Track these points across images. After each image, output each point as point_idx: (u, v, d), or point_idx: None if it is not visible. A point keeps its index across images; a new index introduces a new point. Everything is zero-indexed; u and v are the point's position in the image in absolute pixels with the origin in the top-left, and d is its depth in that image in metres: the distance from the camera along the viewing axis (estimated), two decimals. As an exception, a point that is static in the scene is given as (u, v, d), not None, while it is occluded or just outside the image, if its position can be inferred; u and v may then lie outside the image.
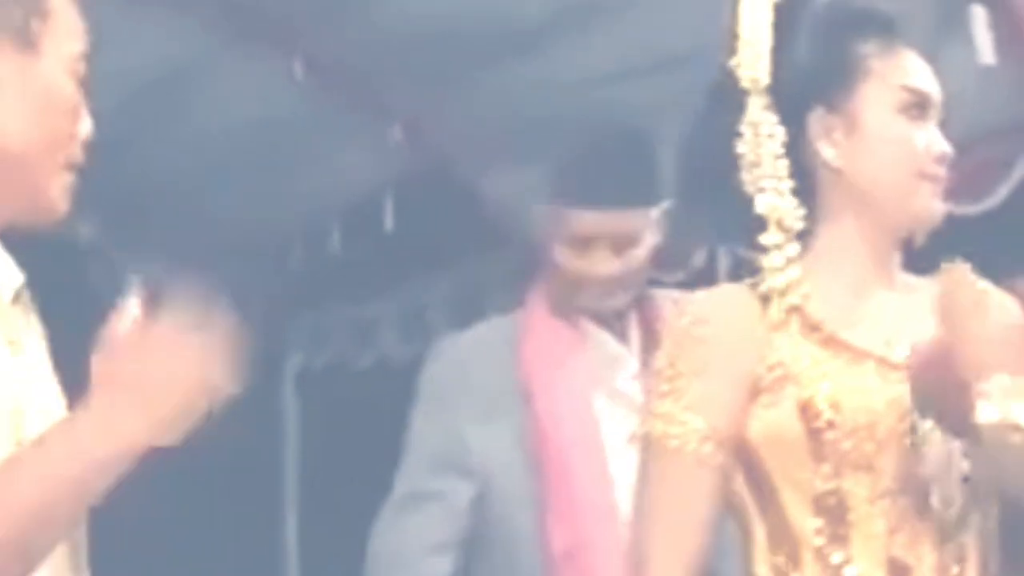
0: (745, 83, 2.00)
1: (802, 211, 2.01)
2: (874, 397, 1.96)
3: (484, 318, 3.12)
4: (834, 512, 1.94)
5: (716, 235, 2.30)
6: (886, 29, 2.04)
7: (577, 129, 4.49)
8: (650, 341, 2.72)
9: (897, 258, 2.07)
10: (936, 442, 1.95)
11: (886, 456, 1.95)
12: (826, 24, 2.03)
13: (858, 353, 1.99)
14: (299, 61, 4.41)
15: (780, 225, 1.98)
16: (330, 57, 4.47)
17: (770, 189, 1.98)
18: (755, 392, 1.96)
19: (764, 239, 1.99)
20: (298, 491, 5.93)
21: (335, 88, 4.57)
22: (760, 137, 1.99)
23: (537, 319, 2.92)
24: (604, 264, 2.84)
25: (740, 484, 2.00)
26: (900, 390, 1.95)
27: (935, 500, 1.95)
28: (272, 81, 4.47)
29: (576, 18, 4.20)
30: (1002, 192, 4.10)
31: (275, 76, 4.44)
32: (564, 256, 2.87)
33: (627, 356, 2.90)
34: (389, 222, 5.02)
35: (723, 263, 3.59)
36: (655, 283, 3.05)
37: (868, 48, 2.02)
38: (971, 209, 3.76)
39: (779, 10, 2.02)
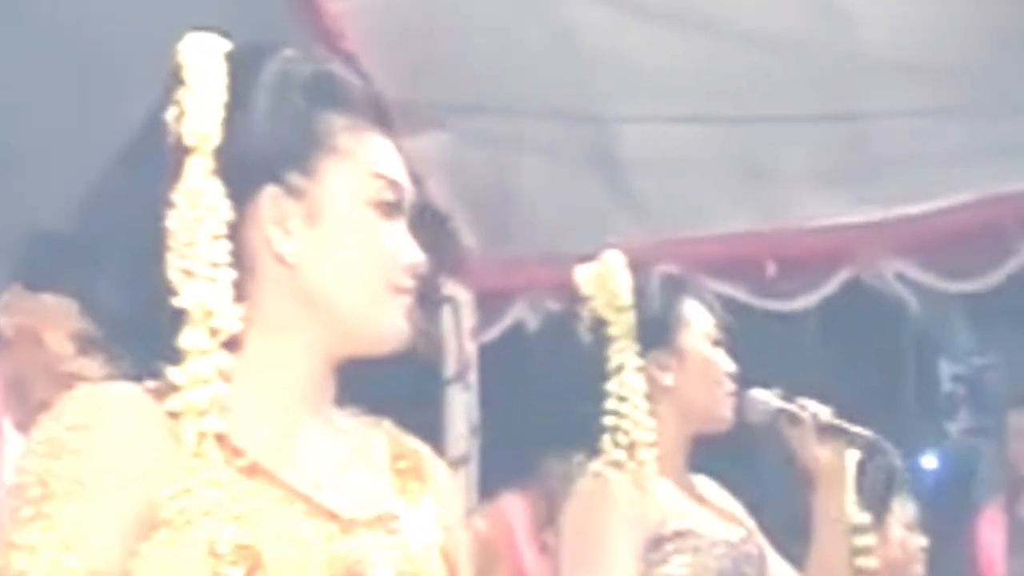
0: (189, 139, 1.57)
1: (240, 311, 1.58)
2: (307, 546, 1.56)
3: None
4: None
5: (111, 333, 1.68)
6: (364, 107, 1.67)
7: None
8: None
9: (333, 386, 1.69)
10: None
11: None
12: (290, 83, 1.62)
13: (288, 491, 1.59)
14: None
15: (208, 325, 1.56)
16: None
17: (202, 277, 1.56)
18: (151, 525, 1.52)
19: (185, 341, 1.55)
20: None
21: None
22: (199, 210, 1.56)
23: None
24: None
25: None
26: (340, 545, 1.58)
27: None
28: None
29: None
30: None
31: None
32: None
33: None
34: None
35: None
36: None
37: (339, 122, 1.64)
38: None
39: (234, 59, 1.61)
